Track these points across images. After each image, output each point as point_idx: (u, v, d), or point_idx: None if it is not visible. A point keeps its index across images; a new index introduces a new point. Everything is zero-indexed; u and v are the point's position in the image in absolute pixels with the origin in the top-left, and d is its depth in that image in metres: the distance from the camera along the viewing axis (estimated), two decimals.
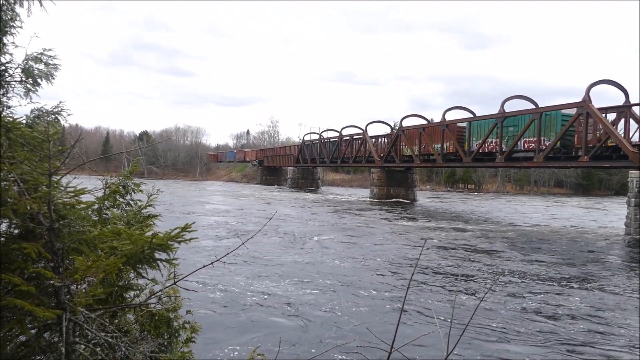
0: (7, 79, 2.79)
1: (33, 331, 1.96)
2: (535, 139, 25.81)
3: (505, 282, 11.22)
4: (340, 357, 6.08)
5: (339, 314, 8.39)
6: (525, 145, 26.83)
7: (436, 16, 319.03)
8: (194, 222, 2.32)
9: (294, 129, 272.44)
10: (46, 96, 3.11)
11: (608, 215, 37.61)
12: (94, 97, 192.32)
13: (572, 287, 10.98)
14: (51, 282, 1.81)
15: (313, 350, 6.54)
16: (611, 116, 22.91)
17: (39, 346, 1.94)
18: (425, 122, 39.06)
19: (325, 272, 11.70)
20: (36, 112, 3.01)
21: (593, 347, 7.21)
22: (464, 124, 32.15)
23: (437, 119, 37.93)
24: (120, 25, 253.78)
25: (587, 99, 22.29)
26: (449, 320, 7.89)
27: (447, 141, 33.27)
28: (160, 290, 2.47)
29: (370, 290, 10.02)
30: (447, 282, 11.13)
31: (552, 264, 14.09)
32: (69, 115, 3.12)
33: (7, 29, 2.64)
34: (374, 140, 43.86)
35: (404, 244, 17.13)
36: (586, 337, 7.62)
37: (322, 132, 56.63)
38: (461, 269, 12.77)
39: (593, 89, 22.53)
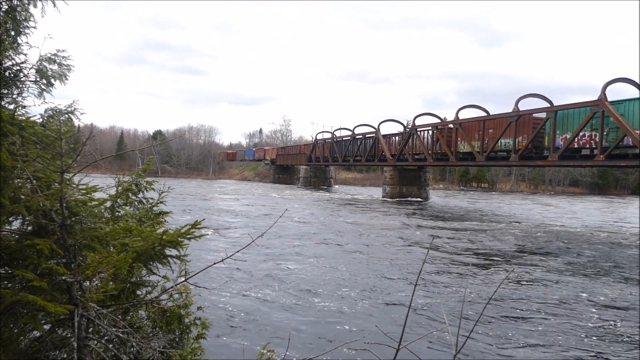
0: (21, 79, 2.84)
1: (46, 327, 1.99)
2: None
3: (516, 280, 11.12)
4: (348, 354, 6.08)
5: (348, 312, 8.39)
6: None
7: (448, 13, 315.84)
8: (203, 219, 2.34)
9: (307, 128, 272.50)
10: (60, 96, 3.15)
11: (624, 215, 37.05)
12: (108, 97, 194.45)
13: (584, 287, 10.84)
14: (63, 277, 1.83)
15: (322, 347, 6.56)
16: None
17: (51, 341, 1.98)
18: (438, 120, 38.46)
19: (333, 270, 11.70)
20: (50, 111, 3.04)
21: (600, 346, 7.12)
22: (542, 114, 26.88)
23: (450, 117, 37.47)
24: (130, 23, 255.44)
25: (603, 98, 21.96)
26: (458, 317, 7.86)
27: (519, 135, 27.91)
28: (172, 287, 2.49)
29: (378, 288, 10.00)
30: (456, 279, 11.05)
31: (565, 262, 13.92)
32: (82, 114, 3.15)
33: (21, 29, 2.68)
34: (386, 139, 43.68)
35: (413, 242, 17.05)
36: (592, 335, 7.52)
37: (335, 130, 56.97)
38: (470, 266, 12.68)
39: (609, 88, 22.20)
